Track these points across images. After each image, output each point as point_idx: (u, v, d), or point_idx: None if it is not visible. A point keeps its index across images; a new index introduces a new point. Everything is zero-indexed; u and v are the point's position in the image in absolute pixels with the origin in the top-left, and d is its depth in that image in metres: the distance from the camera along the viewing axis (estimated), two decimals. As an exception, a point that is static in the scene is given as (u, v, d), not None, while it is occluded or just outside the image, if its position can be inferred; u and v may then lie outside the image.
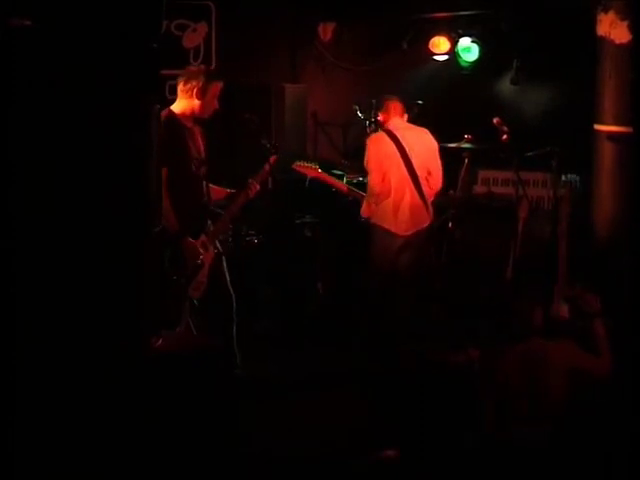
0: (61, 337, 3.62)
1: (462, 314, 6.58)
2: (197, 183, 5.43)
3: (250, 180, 5.64)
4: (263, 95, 7.47)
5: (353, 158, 7.64)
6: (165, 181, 5.12)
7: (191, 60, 7.42)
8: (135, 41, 3.65)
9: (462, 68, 7.78)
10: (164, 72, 3.95)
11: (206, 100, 5.34)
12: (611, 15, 5.60)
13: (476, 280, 6.89)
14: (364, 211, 6.40)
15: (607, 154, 5.71)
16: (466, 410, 4.77)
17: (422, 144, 6.42)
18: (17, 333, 3.55)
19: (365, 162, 6.38)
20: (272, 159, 5.81)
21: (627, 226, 5.61)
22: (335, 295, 7.24)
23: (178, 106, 5.38)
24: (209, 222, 5.51)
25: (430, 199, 6.46)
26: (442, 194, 7.05)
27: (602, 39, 5.64)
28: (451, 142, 7.24)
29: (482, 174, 7.66)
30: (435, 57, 7.85)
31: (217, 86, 5.38)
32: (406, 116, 6.51)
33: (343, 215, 6.96)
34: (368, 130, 7.16)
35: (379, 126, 6.55)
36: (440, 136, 7.05)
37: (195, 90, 5.31)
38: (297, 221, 7.28)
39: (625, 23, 5.55)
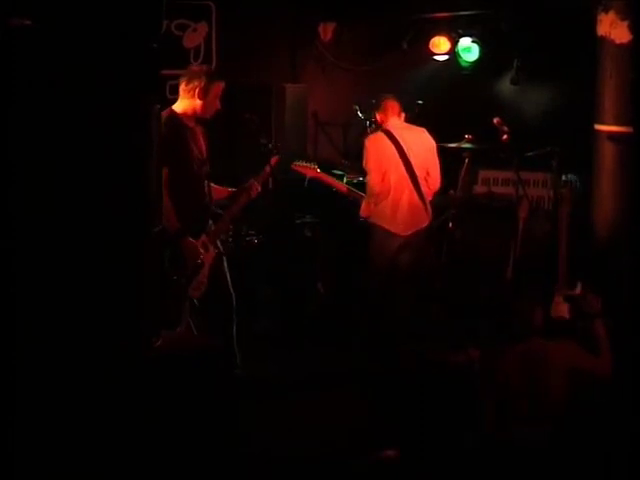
0: (61, 337, 3.62)
1: (462, 314, 6.58)
2: (198, 183, 5.43)
3: (252, 180, 5.63)
4: (263, 95, 7.47)
5: (353, 158, 7.64)
6: (166, 181, 5.11)
7: (191, 60, 7.42)
8: (135, 41, 3.65)
9: (462, 68, 7.78)
10: (164, 72, 3.95)
11: (208, 100, 5.34)
12: (611, 15, 5.60)
13: (476, 280, 6.88)
14: (363, 211, 6.40)
15: (607, 154, 5.71)
16: (466, 410, 4.77)
17: (421, 144, 6.42)
18: (17, 333, 3.55)
19: (364, 162, 6.39)
20: (274, 160, 5.82)
21: (627, 226, 5.61)
22: (335, 295, 7.24)
23: (180, 106, 5.38)
24: (210, 222, 5.51)
25: (429, 199, 6.47)
26: (442, 194, 7.06)
27: (602, 39, 5.64)
28: (451, 142, 7.24)
29: (482, 174, 7.66)
30: (435, 57, 7.85)
31: (219, 86, 5.38)
32: (403, 115, 6.51)
33: (343, 215, 6.96)
34: (368, 130, 7.17)
35: (377, 126, 6.54)
36: (440, 136, 7.05)
37: (197, 90, 5.31)
38: (297, 221, 7.28)
39: (625, 23, 5.55)
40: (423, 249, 6.54)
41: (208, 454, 4.03)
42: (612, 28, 5.59)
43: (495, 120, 6.63)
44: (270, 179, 6.07)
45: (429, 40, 7.75)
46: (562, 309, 5.45)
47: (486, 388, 4.53)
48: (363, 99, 7.35)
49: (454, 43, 7.68)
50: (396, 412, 5.30)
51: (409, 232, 6.35)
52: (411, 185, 6.35)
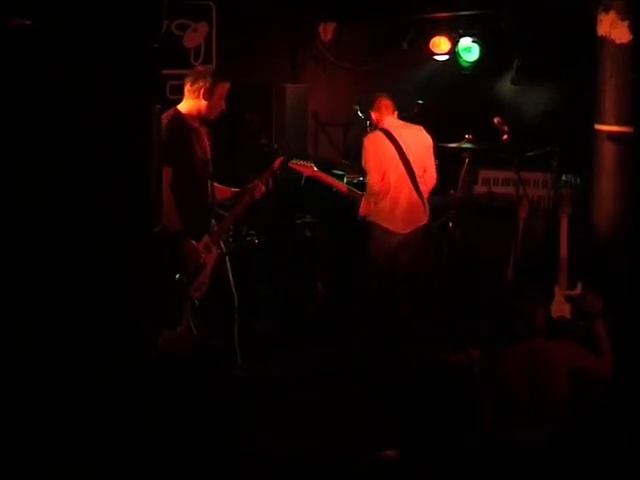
0: (61, 337, 3.62)
1: (462, 314, 6.58)
2: (202, 183, 5.42)
3: (256, 181, 5.63)
4: (263, 95, 7.47)
5: (353, 158, 7.64)
6: (170, 181, 5.12)
7: (192, 60, 7.42)
8: (135, 41, 3.65)
9: (462, 68, 7.78)
10: (165, 72, 3.94)
11: (213, 101, 5.34)
12: (612, 15, 5.60)
13: (476, 280, 6.89)
14: (362, 210, 6.39)
15: (607, 154, 5.71)
16: (466, 410, 4.77)
17: (418, 142, 6.42)
18: (17, 333, 3.55)
19: (363, 162, 6.38)
20: (278, 161, 5.82)
21: (627, 226, 5.61)
22: (335, 295, 7.24)
23: (185, 106, 5.38)
24: (213, 222, 5.50)
25: (426, 196, 6.46)
26: (443, 194, 7.06)
27: (603, 39, 5.64)
28: (452, 142, 7.25)
29: (483, 174, 7.66)
30: (435, 57, 7.85)
31: (224, 87, 5.38)
32: (396, 113, 6.50)
33: (343, 215, 6.96)
34: (368, 130, 7.16)
35: (372, 125, 6.51)
36: (441, 136, 7.05)
37: (202, 91, 5.31)
38: (297, 221, 7.27)
39: (625, 23, 5.55)
40: (422, 247, 6.54)
41: (208, 454, 4.03)
42: (612, 28, 5.59)
43: (495, 120, 6.64)
44: (270, 179, 6.06)
45: (429, 40, 7.75)
46: (563, 309, 5.46)
47: (486, 388, 4.53)
48: (363, 99, 7.33)
49: (454, 43, 7.68)
50: (396, 412, 5.30)
51: (408, 230, 6.35)
52: (410, 183, 6.35)
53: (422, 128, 6.51)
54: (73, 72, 3.53)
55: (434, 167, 6.51)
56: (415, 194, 6.38)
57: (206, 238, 5.40)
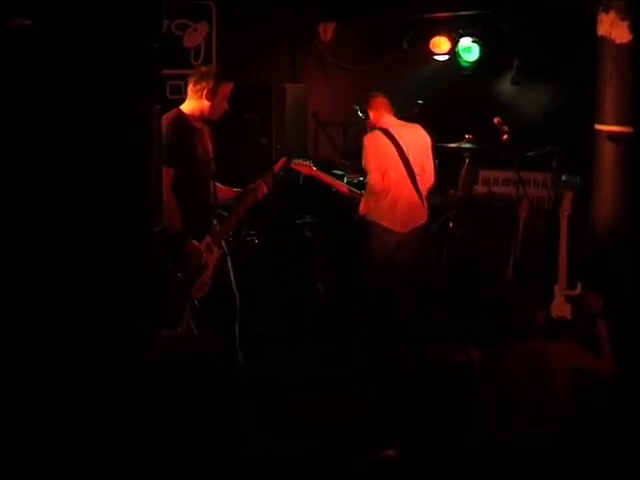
0: (61, 337, 3.62)
1: (462, 314, 6.58)
2: (204, 184, 5.42)
3: (259, 181, 5.63)
4: (263, 95, 7.47)
5: (354, 158, 7.64)
6: (172, 181, 5.12)
7: (192, 60, 7.42)
8: (135, 41, 3.65)
9: (462, 68, 7.78)
10: (164, 72, 3.94)
11: (216, 101, 5.34)
12: (612, 15, 5.60)
13: (476, 280, 6.89)
14: (362, 209, 6.38)
15: (608, 154, 5.70)
16: (466, 410, 4.77)
17: (417, 141, 6.42)
18: (17, 333, 3.55)
19: (364, 162, 6.37)
20: (281, 162, 5.82)
21: (627, 226, 5.61)
22: (335, 295, 7.24)
23: (187, 106, 5.38)
24: (215, 222, 5.50)
25: (424, 195, 6.46)
26: (443, 194, 7.06)
27: (603, 39, 5.64)
28: (452, 142, 7.25)
29: (483, 174, 7.66)
30: (435, 57, 7.85)
31: (227, 87, 5.38)
32: (392, 112, 6.49)
33: (343, 215, 6.96)
34: (368, 130, 7.15)
35: (370, 124, 6.48)
36: (441, 136, 7.05)
37: (205, 91, 5.31)
38: (297, 221, 7.28)
39: (626, 23, 5.55)
40: (421, 247, 6.54)
41: (208, 454, 4.03)
42: (612, 28, 5.58)
43: (495, 120, 6.64)
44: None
45: (429, 40, 7.75)
46: (563, 309, 5.45)
47: (486, 388, 4.53)
48: (363, 99, 7.33)
49: (454, 43, 7.68)
50: (396, 412, 5.30)
51: (408, 229, 6.35)
52: (409, 183, 6.35)
53: (420, 127, 6.51)
54: (73, 72, 3.53)
55: (432, 166, 6.51)
56: (415, 193, 6.38)
57: (208, 238, 5.40)
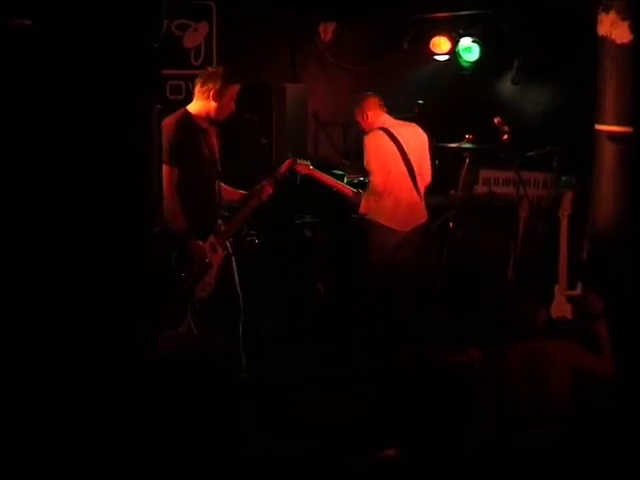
0: (61, 337, 3.62)
1: (462, 314, 6.58)
2: (209, 184, 5.43)
3: (264, 183, 5.63)
4: (264, 95, 7.47)
5: (354, 158, 7.64)
6: (177, 181, 5.13)
7: (192, 60, 7.42)
8: (135, 41, 3.65)
9: (463, 68, 7.78)
10: (165, 72, 3.95)
11: (223, 102, 5.34)
12: (612, 15, 5.59)
13: (477, 280, 6.88)
14: (363, 208, 6.36)
15: (608, 154, 5.70)
16: (466, 410, 4.77)
17: (416, 140, 6.42)
18: (17, 333, 3.55)
19: (365, 162, 6.35)
20: (286, 163, 5.83)
21: (627, 226, 5.60)
22: (335, 295, 7.24)
23: (194, 107, 5.38)
24: (220, 222, 5.51)
25: (423, 194, 6.46)
26: (443, 194, 7.06)
27: (603, 39, 5.63)
28: (452, 142, 7.25)
29: (483, 174, 7.65)
30: (436, 57, 7.85)
31: (234, 89, 5.38)
32: (386, 111, 6.48)
33: (343, 215, 6.96)
34: (366, 130, 7.14)
35: (368, 125, 6.44)
36: (441, 136, 7.05)
37: (212, 92, 5.31)
38: (297, 221, 7.27)
39: (626, 23, 5.54)
40: (422, 247, 6.54)
41: (208, 454, 4.03)
42: (613, 28, 5.58)
43: (496, 120, 6.63)
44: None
45: (429, 40, 7.75)
46: (564, 309, 5.45)
47: (486, 388, 4.53)
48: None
49: (454, 43, 7.68)
50: (396, 412, 5.29)
51: (408, 228, 6.35)
52: (410, 182, 6.35)
53: (417, 126, 6.50)
54: (73, 72, 3.53)
55: (429, 164, 6.51)
56: (415, 192, 6.38)
57: (212, 238, 5.40)
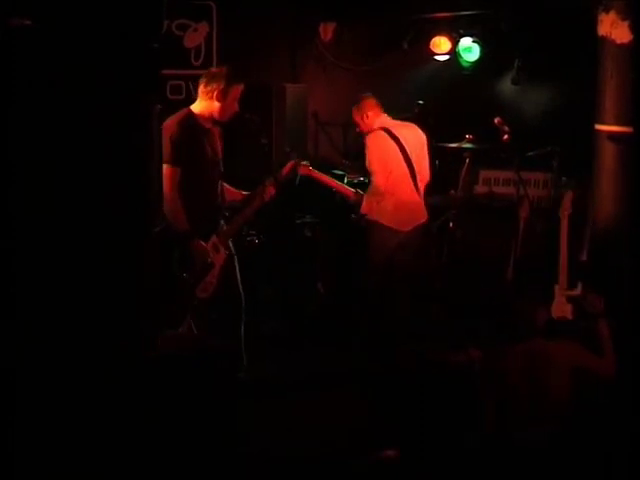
0: (61, 337, 3.62)
1: (462, 314, 6.58)
2: (212, 184, 5.43)
3: (266, 183, 5.63)
4: (264, 95, 7.47)
5: (354, 158, 7.64)
6: (179, 181, 5.13)
7: (192, 60, 7.42)
8: (135, 41, 3.65)
9: (463, 68, 7.78)
10: (165, 72, 3.95)
11: (226, 103, 5.34)
12: (612, 15, 5.59)
13: (477, 280, 6.88)
14: (364, 208, 6.34)
15: (608, 154, 5.70)
16: (466, 410, 4.77)
17: (416, 140, 6.42)
18: (17, 333, 3.55)
19: (368, 162, 6.32)
20: (289, 164, 5.84)
21: (627, 226, 5.60)
22: (335, 295, 7.24)
23: (198, 107, 5.38)
24: (222, 222, 5.51)
25: (423, 193, 6.46)
26: (443, 194, 7.06)
27: (603, 39, 5.63)
28: (452, 142, 7.25)
29: (483, 174, 7.65)
30: (436, 57, 7.85)
31: (238, 89, 5.38)
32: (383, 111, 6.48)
33: (343, 215, 6.96)
34: (365, 132, 7.13)
35: (367, 125, 6.42)
36: (441, 136, 7.05)
37: (216, 93, 5.31)
38: (297, 221, 7.28)
39: (626, 23, 5.54)
40: (422, 247, 6.54)
41: (207, 454, 4.03)
42: (613, 28, 5.58)
43: (496, 120, 6.63)
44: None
45: (430, 40, 7.75)
46: (564, 309, 5.46)
47: (486, 388, 4.53)
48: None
49: (455, 43, 7.68)
50: (396, 412, 5.29)
51: (409, 228, 6.34)
52: (411, 182, 6.35)
53: (416, 126, 6.49)
54: (73, 72, 3.53)
55: (428, 164, 6.50)
56: (415, 192, 6.38)
57: (214, 238, 5.40)
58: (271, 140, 6.96)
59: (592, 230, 5.85)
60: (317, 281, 7.24)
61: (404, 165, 6.32)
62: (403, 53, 7.88)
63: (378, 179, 6.27)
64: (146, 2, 3.70)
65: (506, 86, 7.97)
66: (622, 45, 5.54)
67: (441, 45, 7.75)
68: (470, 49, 7.68)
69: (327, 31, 8.18)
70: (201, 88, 5.38)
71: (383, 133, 6.33)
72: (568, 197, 5.88)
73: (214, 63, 7.39)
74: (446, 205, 7.09)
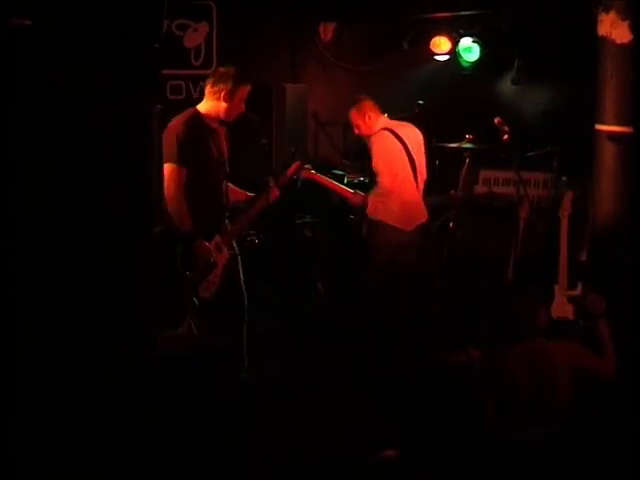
0: (61, 337, 3.62)
1: (462, 314, 6.58)
2: (217, 184, 5.43)
3: (270, 184, 5.63)
4: (264, 95, 7.47)
5: (354, 158, 7.64)
6: (184, 180, 5.13)
7: (192, 60, 7.42)
8: (135, 41, 3.65)
9: (463, 68, 7.79)
10: (165, 72, 3.95)
11: (233, 103, 5.34)
12: (612, 15, 5.59)
13: (477, 280, 6.88)
14: (370, 210, 6.31)
15: (608, 154, 5.70)
16: (466, 410, 4.77)
17: (416, 140, 6.42)
18: (17, 333, 3.55)
19: (374, 163, 6.27)
20: (294, 166, 5.84)
21: (627, 226, 5.61)
22: (335, 295, 7.24)
23: (204, 107, 5.37)
24: (226, 222, 5.51)
25: (422, 192, 6.47)
26: (443, 194, 7.06)
27: (603, 39, 5.63)
28: (452, 142, 7.25)
29: (483, 174, 7.65)
30: (436, 57, 7.85)
31: (245, 90, 5.37)
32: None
33: (343, 215, 6.96)
34: (365, 134, 7.13)
35: (368, 127, 6.40)
36: (441, 136, 7.05)
37: (223, 93, 5.30)
38: (297, 221, 7.27)
39: (626, 23, 5.54)
40: (422, 246, 6.53)
41: (208, 454, 4.03)
42: (613, 28, 5.58)
43: (496, 120, 6.63)
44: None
45: (430, 40, 7.75)
46: (565, 309, 5.46)
47: (486, 388, 4.53)
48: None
49: (455, 43, 7.68)
50: (396, 412, 5.30)
51: (412, 227, 6.34)
52: (414, 181, 6.35)
53: (412, 125, 6.49)
54: (73, 72, 3.53)
55: (425, 163, 6.50)
56: (417, 192, 6.39)
57: (217, 238, 5.40)
58: (271, 140, 6.97)
59: (592, 230, 5.86)
60: (317, 281, 7.24)
61: (408, 165, 6.31)
62: (403, 53, 7.88)
63: (385, 179, 6.24)
64: (146, 2, 3.70)
65: (506, 86, 7.97)
66: (622, 45, 5.55)
67: (441, 45, 7.75)
68: (470, 49, 7.68)
69: (327, 31, 8.18)
70: (208, 88, 5.37)
71: (388, 133, 6.31)
72: (568, 197, 5.88)
73: (214, 63, 7.40)
74: (446, 205, 7.09)
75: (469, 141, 7.14)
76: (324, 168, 6.72)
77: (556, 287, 5.62)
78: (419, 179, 6.39)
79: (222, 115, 5.37)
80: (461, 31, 7.63)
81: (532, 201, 6.88)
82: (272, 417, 5.43)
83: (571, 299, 5.43)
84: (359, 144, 6.65)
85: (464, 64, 7.74)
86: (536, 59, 7.56)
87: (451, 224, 7.02)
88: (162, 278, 4.12)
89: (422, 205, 6.45)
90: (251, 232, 6.90)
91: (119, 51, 3.61)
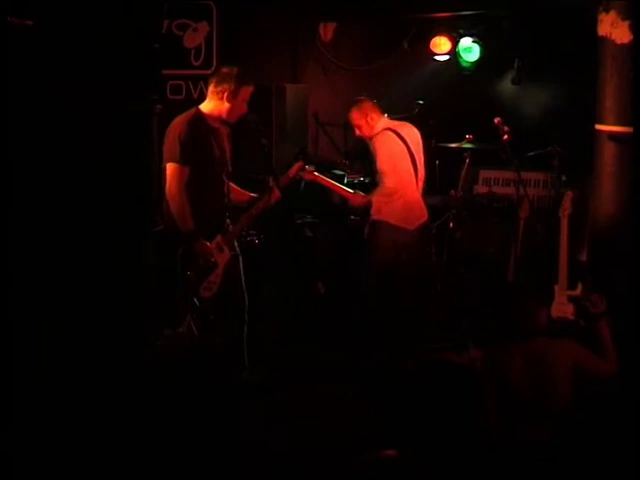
0: (61, 337, 3.62)
1: (462, 314, 6.58)
2: (218, 184, 5.43)
3: (272, 185, 5.63)
4: (264, 95, 7.47)
5: (354, 158, 7.63)
6: (186, 180, 5.13)
7: (192, 60, 7.42)
8: (135, 41, 3.65)
9: (463, 68, 7.79)
10: (165, 72, 3.95)
11: (235, 104, 5.33)
12: (612, 15, 5.60)
13: (476, 280, 6.88)
14: (374, 210, 6.29)
15: (608, 154, 5.70)
16: (466, 410, 4.77)
17: (416, 139, 6.40)
18: (17, 333, 3.55)
19: (378, 163, 6.23)
20: (296, 166, 5.83)
21: (628, 226, 5.61)
22: (335, 295, 7.23)
23: (207, 106, 5.37)
24: (228, 222, 5.51)
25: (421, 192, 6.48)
26: (443, 194, 7.06)
27: (603, 39, 5.64)
28: (452, 142, 7.25)
29: (483, 174, 7.66)
30: (436, 57, 7.86)
31: (247, 90, 5.37)
32: None
33: (343, 215, 6.95)
34: (366, 134, 7.13)
35: (370, 127, 6.39)
36: (441, 136, 7.04)
37: (226, 93, 5.30)
38: (297, 221, 7.27)
39: (626, 23, 5.55)
40: (423, 247, 6.53)
41: (208, 453, 4.03)
42: (613, 28, 5.58)
43: (496, 120, 6.63)
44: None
45: (430, 40, 7.76)
46: (565, 309, 5.46)
47: (486, 388, 4.53)
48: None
49: (455, 43, 7.69)
50: (396, 412, 5.29)
51: (414, 226, 6.33)
52: (415, 181, 6.35)
53: (411, 125, 6.48)
54: (73, 72, 3.53)
55: (423, 163, 6.50)
56: (417, 191, 6.39)
57: (219, 238, 5.40)
58: (271, 140, 6.96)
59: (592, 230, 5.86)
60: (317, 281, 7.23)
61: (410, 165, 6.31)
62: (403, 53, 7.88)
63: (388, 180, 6.22)
64: (146, 2, 3.71)
65: (506, 86, 7.97)
66: (622, 45, 5.55)
67: (441, 45, 7.75)
68: (470, 49, 7.68)
69: (327, 31, 8.18)
70: (211, 88, 5.37)
71: (391, 133, 6.28)
72: (568, 197, 5.89)
73: (214, 63, 7.39)
74: (446, 205, 7.09)
75: (469, 141, 7.14)
76: (324, 168, 6.71)
77: (556, 287, 5.62)
78: (419, 178, 6.40)
79: (224, 115, 5.37)
80: (461, 31, 7.64)
81: (532, 201, 6.88)
82: (272, 417, 5.42)
83: (571, 299, 5.43)
84: (359, 144, 6.64)
85: (464, 64, 7.74)
86: (536, 59, 7.57)
87: (451, 224, 7.02)
88: (163, 277, 4.12)
89: (422, 205, 6.44)
90: (251, 232, 6.89)
91: (119, 51, 3.61)
